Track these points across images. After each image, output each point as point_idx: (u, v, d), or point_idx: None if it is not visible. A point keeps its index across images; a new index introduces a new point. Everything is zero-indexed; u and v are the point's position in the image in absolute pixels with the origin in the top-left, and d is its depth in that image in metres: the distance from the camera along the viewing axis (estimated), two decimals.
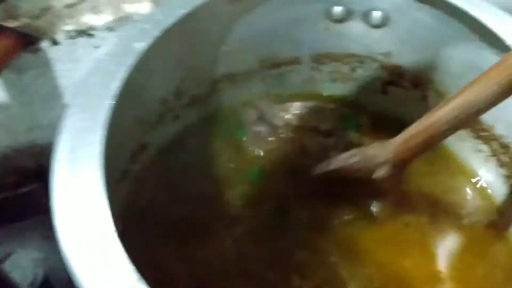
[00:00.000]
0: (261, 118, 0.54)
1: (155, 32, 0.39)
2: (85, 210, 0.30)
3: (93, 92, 0.35)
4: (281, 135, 0.53)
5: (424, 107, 0.53)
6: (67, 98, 0.61)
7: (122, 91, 0.36)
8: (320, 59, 0.54)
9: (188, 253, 0.42)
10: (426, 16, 0.47)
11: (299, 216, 0.47)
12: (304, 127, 0.54)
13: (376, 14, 0.49)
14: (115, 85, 0.36)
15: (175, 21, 0.41)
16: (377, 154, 0.44)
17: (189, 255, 0.42)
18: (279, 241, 0.45)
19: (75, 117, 0.34)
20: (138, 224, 0.43)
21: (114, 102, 0.35)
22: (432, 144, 0.41)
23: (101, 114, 0.34)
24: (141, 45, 0.38)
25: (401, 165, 0.43)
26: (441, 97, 0.51)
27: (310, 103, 0.56)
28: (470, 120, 0.41)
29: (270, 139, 0.53)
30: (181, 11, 0.41)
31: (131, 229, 0.43)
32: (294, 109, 0.55)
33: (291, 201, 0.48)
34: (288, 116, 0.54)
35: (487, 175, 0.51)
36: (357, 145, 0.49)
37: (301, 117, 0.54)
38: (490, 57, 0.44)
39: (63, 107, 0.60)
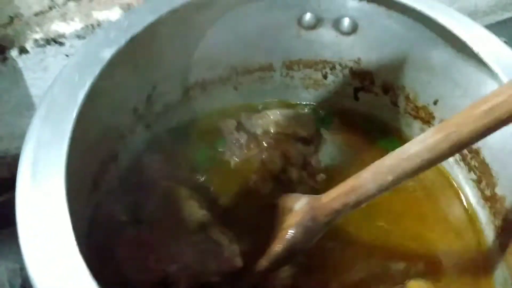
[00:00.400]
0: (239, 127, 0.54)
1: (122, 40, 0.39)
2: (48, 224, 0.30)
3: (57, 102, 0.35)
4: (261, 144, 0.53)
5: (395, 112, 0.54)
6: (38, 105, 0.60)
7: (88, 100, 0.36)
8: (292, 65, 0.55)
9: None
10: (394, 23, 0.47)
11: None
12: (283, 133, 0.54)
13: (346, 21, 0.49)
14: (80, 95, 0.35)
15: (142, 28, 0.40)
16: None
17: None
18: None
19: (40, 129, 0.34)
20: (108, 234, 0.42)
21: (80, 112, 0.34)
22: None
23: (66, 125, 0.33)
24: (107, 53, 0.38)
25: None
26: (411, 102, 0.52)
27: (285, 110, 0.56)
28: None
29: (249, 147, 0.52)
30: (148, 19, 0.41)
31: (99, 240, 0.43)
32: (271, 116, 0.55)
33: None
34: (265, 124, 0.54)
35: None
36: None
37: (278, 124, 0.54)
38: (456, 63, 0.45)
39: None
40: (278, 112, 0.54)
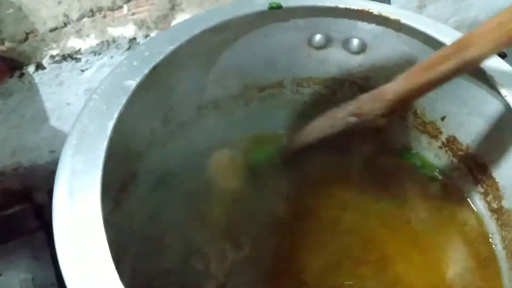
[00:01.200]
0: None
1: (145, 70, 0.40)
2: (86, 251, 0.32)
3: (88, 132, 0.37)
4: None
5: (403, 126, 0.56)
6: (53, 121, 0.61)
7: (116, 129, 0.38)
8: (302, 82, 0.56)
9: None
10: (402, 43, 0.49)
11: None
12: None
13: (355, 42, 0.51)
14: (110, 125, 0.37)
15: (163, 57, 0.42)
16: (373, 107, 0.45)
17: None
18: None
19: (72, 158, 0.35)
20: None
21: (109, 142, 0.36)
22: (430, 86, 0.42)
23: (98, 155, 0.35)
24: (131, 83, 0.39)
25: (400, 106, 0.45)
26: (418, 117, 0.54)
27: None
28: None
29: None
30: (168, 48, 0.42)
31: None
32: None
33: None
34: None
35: None
36: None
37: None
38: (463, 82, 0.47)
39: (48, 130, 0.61)
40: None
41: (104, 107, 0.38)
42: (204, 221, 0.50)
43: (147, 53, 0.41)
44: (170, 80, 0.46)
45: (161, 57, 0.41)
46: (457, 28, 0.45)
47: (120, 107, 0.38)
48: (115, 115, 0.37)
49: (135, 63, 0.41)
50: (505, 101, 0.43)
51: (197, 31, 0.44)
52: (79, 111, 0.39)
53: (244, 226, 0.50)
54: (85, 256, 0.32)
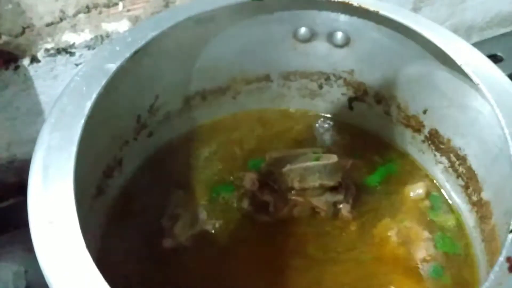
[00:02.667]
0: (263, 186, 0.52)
1: (126, 53, 0.41)
2: (58, 224, 0.33)
3: (66, 111, 0.38)
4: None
5: (388, 121, 0.56)
6: (48, 113, 0.62)
7: (95, 110, 0.39)
8: (288, 76, 0.57)
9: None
10: (383, 36, 0.50)
11: None
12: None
13: (339, 35, 0.52)
14: (88, 105, 0.38)
15: (145, 43, 0.43)
16: None
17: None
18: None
19: (49, 135, 0.36)
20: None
21: (86, 121, 0.37)
22: None
23: (74, 132, 0.36)
24: (111, 66, 0.40)
25: None
26: (402, 111, 0.54)
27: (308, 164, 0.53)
28: None
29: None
30: (150, 34, 0.43)
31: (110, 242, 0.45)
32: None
33: None
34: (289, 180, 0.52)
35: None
36: None
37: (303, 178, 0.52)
38: (442, 75, 0.48)
39: (43, 123, 0.62)
40: (302, 166, 0.51)
41: (84, 88, 0.39)
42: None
43: (130, 39, 0.43)
44: (154, 68, 0.47)
45: (143, 42, 0.42)
46: (454, 31, 0.46)
47: (99, 88, 0.39)
48: (93, 96, 0.38)
49: (117, 48, 0.42)
50: (481, 92, 0.43)
51: (180, 18, 0.45)
52: (60, 92, 0.40)
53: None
54: (56, 229, 0.33)
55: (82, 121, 0.37)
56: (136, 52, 0.42)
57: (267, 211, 0.51)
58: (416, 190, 0.54)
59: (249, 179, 0.52)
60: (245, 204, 0.50)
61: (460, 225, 0.52)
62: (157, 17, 0.45)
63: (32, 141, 0.63)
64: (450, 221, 0.52)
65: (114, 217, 0.49)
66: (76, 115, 0.37)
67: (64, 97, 0.39)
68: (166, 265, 0.47)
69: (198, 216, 0.50)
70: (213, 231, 0.49)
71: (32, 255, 0.57)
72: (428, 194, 0.54)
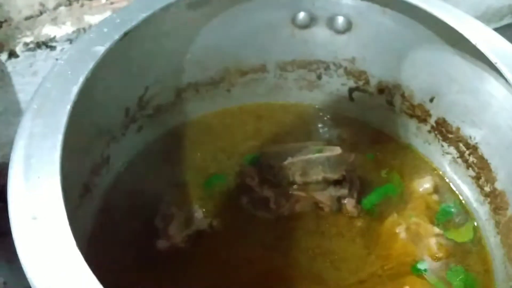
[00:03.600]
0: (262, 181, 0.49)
1: (115, 36, 0.38)
2: (43, 220, 0.29)
3: (50, 96, 0.34)
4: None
5: (390, 112, 0.54)
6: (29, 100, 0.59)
7: (82, 96, 0.35)
8: (285, 66, 0.54)
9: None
10: (388, 20, 0.47)
11: None
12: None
13: (340, 20, 0.49)
14: (74, 89, 0.34)
15: (135, 24, 0.39)
16: None
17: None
18: None
19: (32, 122, 0.33)
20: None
21: (72, 107, 0.33)
22: None
23: (59, 119, 0.32)
24: (100, 49, 0.37)
25: None
26: (406, 101, 0.52)
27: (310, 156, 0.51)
28: None
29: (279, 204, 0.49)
30: (140, 15, 0.40)
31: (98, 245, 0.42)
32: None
33: None
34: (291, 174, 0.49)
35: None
36: None
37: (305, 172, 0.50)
38: (452, 59, 0.45)
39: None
40: (304, 159, 0.49)
41: (69, 72, 0.35)
42: None
43: (118, 20, 0.39)
44: (144, 54, 0.44)
45: (133, 23, 0.39)
46: None
47: (86, 72, 0.35)
48: (80, 79, 0.35)
49: (105, 30, 0.38)
50: (499, 71, 0.40)
51: (172, 0, 0.41)
52: (43, 77, 0.36)
53: None
54: (41, 225, 0.29)
55: (68, 107, 0.33)
56: (125, 34, 0.38)
57: (267, 208, 0.48)
58: (424, 185, 0.51)
59: (248, 174, 0.48)
60: (244, 200, 0.47)
61: (471, 218, 0.49)
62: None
63: (9, 144, 0.60)
64: (461, 215, 0.50)
65: (103, 218, 0.45)
66: (61, 100, 0.34)
67: (47, 82, 0.35)
68: (160, 268, 0.43)
69: (194, 215, 0.46)
70: (210, 231, 0.46)
71: (11, 266, 0.53)
72: (435, 188, 0.51)
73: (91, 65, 0.36)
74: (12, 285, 0.55)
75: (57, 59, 0.55)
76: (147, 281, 0.42)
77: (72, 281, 0.27)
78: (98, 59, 0.36)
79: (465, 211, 0.50)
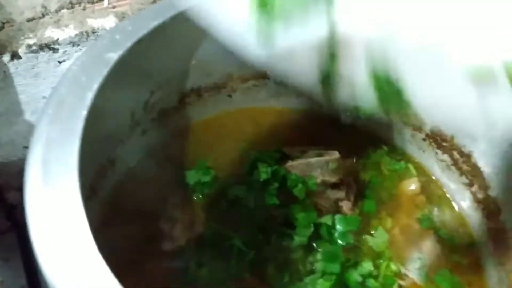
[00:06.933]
0: None
1: (127, 43, 0.39)
2: (64, 223, 0.30)
3: (66, 102, 0.35)
4: None
5: (387, 119, 0.55)
6: (27, 114, 0.59)
7: (95, 102, 0.36)
8: None
9: None
10: None
11: None
12: None
13: None
14: (89, 95, 0.35)
15: (146, 32, 0.40)
16: None
17: None
18: None
19: (48, 127, 0.33)
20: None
21: (88, 113, 0.34)
22: None
23: (76, 124, 0.33)
24: (113, 56, 0.38)
25: None
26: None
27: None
28: None
29: None
30: (152, 23, 0.41)
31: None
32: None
33: None
34: None
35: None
36: None
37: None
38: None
39: (23, 124, 0.59)
40: (304, 162, 0.51)
41: (84, 78, 0.36)
42: None
43: (130, 27, 0.40)
44: (152, 61, 0.45)
45: (145, 31, 0.40)
46: None
47: (100, 78, 0.36)
48: (95, 87, 0.36)
49: (118, 37, 0.39)
50: None
51: (182, 8, 0.42)
52: (56, 83, 0.37)
53: None
54: (62, 228, 0.30)
55: (84, 112, 0.34)
56: (138, 42, 0.39)
57: None
58: (412, 187, 0.53)
59: None
60: (252, 203, 0.48)
61: (463, 224, 0.51)
62: (157, 6, 0.43)
63: (10, 143, 0.61)
64: (453, 221, 0.51)
65: (108, 220, 0.46)
66: (77, 106, 0.35)
67: (62, 88, 0.36)
68: (165, 269, 0.44)
69: (197, 217, 0.47)
70: (214, 233, 0.47)
71: (9, 265, 0.53)
72: (425, 192, 0.53)
73: (105, 71, 0.37)
74: (9, 284, 0.56)
75: (59, 62, 0.57)
76: (152, 282, 0.43)
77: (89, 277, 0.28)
78: (111, 66, 0.37)
79: (457, 216, 0.51)
